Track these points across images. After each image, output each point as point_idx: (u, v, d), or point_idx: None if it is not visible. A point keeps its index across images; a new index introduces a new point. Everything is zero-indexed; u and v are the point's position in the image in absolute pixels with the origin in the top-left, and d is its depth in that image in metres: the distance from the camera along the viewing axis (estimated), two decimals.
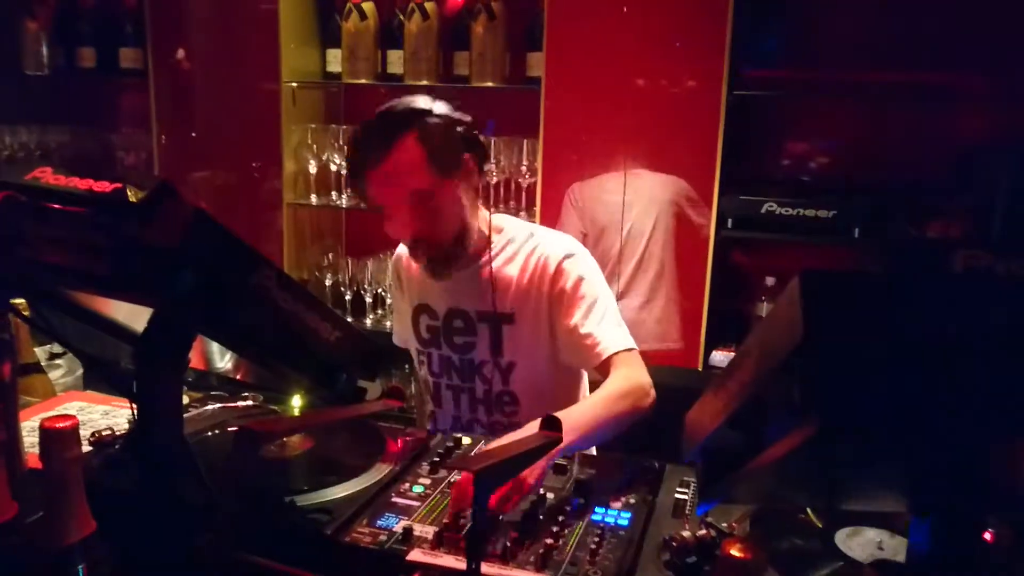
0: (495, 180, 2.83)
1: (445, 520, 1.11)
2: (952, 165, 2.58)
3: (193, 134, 3.23)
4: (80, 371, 1.77)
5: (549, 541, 1.06)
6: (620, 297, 2.64)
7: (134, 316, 1.11)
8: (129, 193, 0.92)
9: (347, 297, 3.08)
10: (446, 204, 1.55)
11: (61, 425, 0.85)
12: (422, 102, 1.54)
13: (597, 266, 1.69)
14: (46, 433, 0.85)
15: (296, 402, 1.51)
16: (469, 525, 1.06)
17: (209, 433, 1.41)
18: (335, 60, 3.05)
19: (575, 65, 2.64)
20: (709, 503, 1.06)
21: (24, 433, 1.28)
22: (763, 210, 2.54)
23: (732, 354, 2.60)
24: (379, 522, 1.11)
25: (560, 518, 1.12)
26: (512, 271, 1.67)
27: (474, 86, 2.85)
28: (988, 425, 0.68)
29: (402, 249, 1.80)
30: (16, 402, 1.24)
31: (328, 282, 3.09)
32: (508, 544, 1.04)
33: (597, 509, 1.17)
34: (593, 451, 1.58)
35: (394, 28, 2.96)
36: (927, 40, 2.52)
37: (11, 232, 0.99)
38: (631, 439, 1.47)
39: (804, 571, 1.04)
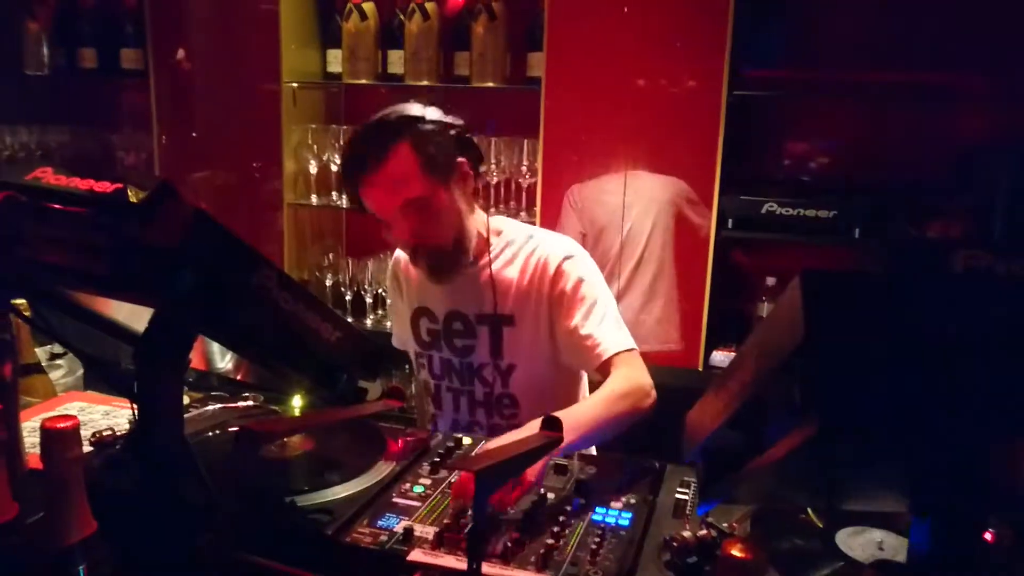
0: (495, 180, 2.83)
1: (446, 520, 1.11)
2: (952, 165, 2.58)
3: (193, 134, 3.23)
4: (81, 371, 1.77)
5: (550, 541, 1.06)
6: (619, 298, 2.64)
7: (135, 316, 1.11)
8: (130, 193, 0.92)
9: (347, 297, 3.08)
10: (444, 209, 1.55)
11: (62, 425, 0.85)
12: (414, 109, 1.54)
13: (596, 267, 1.69)
14: (47, 433, 0.85)
15: (297, 402, 1.51)
16: (470, 525, 1.06)
17: (210, 433, 1.41)
18: (335, 60, 3.05)
19: (575, 65, 2.64)
20: (710, 503, 1.06)
21: (25, 433, 1.29)
22: (763, 210, 2.55)
23: (732, 354, 2.61)
24: (380, 522, 1.11)
25: (561, 518, 1.12)
26: (512, 273, 1.67)
27: (474, 86, 2.86)
28: (988, 425, 0.68)
29: (400, 252, 1.80)
30: (17, 402, 1.24)
31: (328, 282, 3.09)
32: (509, 544, 1.04)
33: (598, 509, 1.17)
34: (593, 451, 1.58)
35: (394, 28, 2.96)
36: (927, 40, 2.52)
37: (12, 232, 0.99)
38: (632, 439, 1.47)
39: (805, 571, 1.04)
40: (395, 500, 1.18)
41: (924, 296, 0.69)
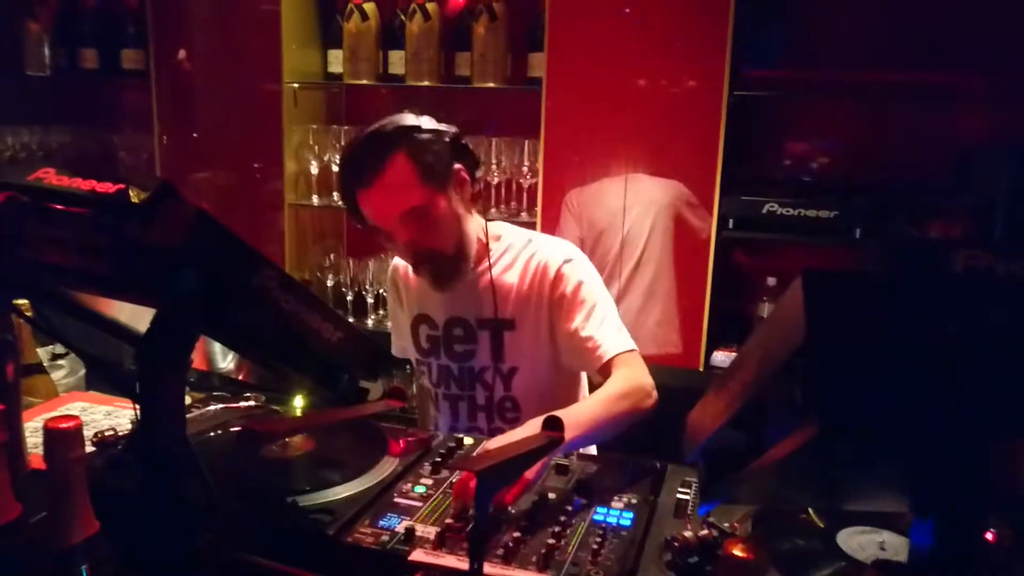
0: (496, 181, 2.83)
1: (447, 520, 1.11)
2: (952, 165, 2.58)
3: (195, 135, 3.24)
4: (82, 372, 1.77)
5: (551, 541, 1.06)
6: (618, 300, 2.64)
7: (136, 317, 1.11)
8: (131, 194, 0.92)
9: (348, 298, 3.08)
10: (443, 216, 1.56)
11: (64, 426, 0.85)
12: (408, 119, 1.54)
13: (595, 270, 1.70)
14: (49, 433, 0.85)
15: (298, 403, 1.52)
16: (471, 525, 1.06)
17: (211, 433, 1.41)
18: (336, 61, 3.06)
19: (576, 66, 2.64)
20: (711, 503, 1.06)
21: (27, 433, 1.29)
22: (764, 210, 2.55)
23: (733, 354, 2.60)
24: (381, 522, 1.11)
25: (562, 518, 1.12)
26: (512, 278, 1.68)
27: (475, 87, 2.86)
28: (989, 425, 0.68)
29: (399, 260, 1.81)
30: (19, 403, 1.24)
31: (330, 283, 3.10)
32: (510, 544, 1.04)
33: (599, 509, 1.17)
34: (594, 451, 1.58)
35: (395, 29, 2.96)
36: (927, 40, 2.53)
37: (14, 233, 0.99)
38: (632, 439, 1.47)
39: (806, 571, 1.04)
40: (397, 500, 1.18)
41: (924, 296, 0.69)
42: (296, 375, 1.21)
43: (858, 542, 1.07)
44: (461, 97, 2.95)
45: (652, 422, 1.48)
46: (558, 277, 1.64)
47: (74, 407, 1.57)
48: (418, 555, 1.03)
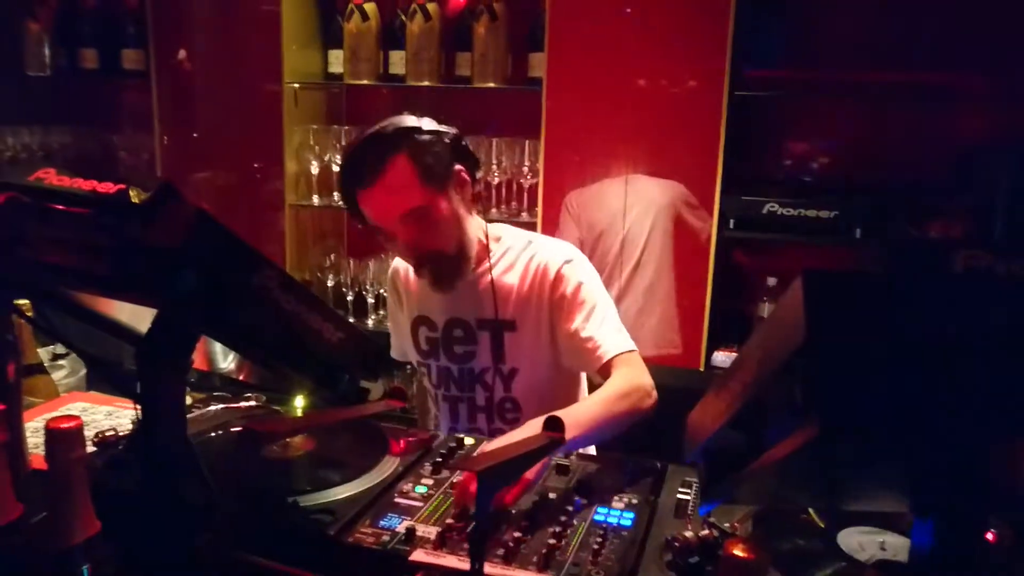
0: (496, 181, 2.83)
1: (448, 520, 1.11)
2: (952, 165, 2.58)
3: (195, 135, 3.24)
4: (83, 372, 1.77)
5: (552, 541, 1.06)
6: (618, 301, 2.64)
7: (137, 317, 1.11)
8: (132, 194, 0.92)
9: (349, 298, 3.08)
10: (444, 217, 1.56)
11: (65, 426, 0.86)
12: (408, 120, 1.55)
13: (595, 271, 1.70)
14: (50, 434, 0.85)
15: (299, 403, 1.52)
16: (472, 525, 1.06)
17: (212, 434, 1.41)
18: (337, 61, 3.06)
19: (576, 66, 2.65)
20: (711, 503, 1.06)
21: (28, 434, 1.29)
22: (764, 210, 2.55)
23: (734, 354, 2.61)
24: (382, 522, 1.11)
25: (562, 518, 1.12)
26: (512, 279, 1.68)
27: (476, 87, 2.86)
28: (988, 425, 0.68)
29: (398, 262, 1.81)
30: (20, 403, 1.24)
31: (330, 283, 3.10)
32: (511, 544, 1.04)
33: (599, 509, 1.17)
34: (594, 451, 1.58)
35: (396, 29, 2.96)
36: (927, 40, 2.53)
37: (14, 233, 0.99)
38: (633, 439, 1.47)
39: (807, 571, 1.04)
40: (397, 500, 1.18)
41: (924, 296, 0.69)
42: (296, 375, 1.21)
43: (858, 542, 1.07)
44: (461, 97, 2.95)
45: (652, 422, 1.49)
46: (558, 278, 1.64)
47: (75, 407, 1.58)
48: (419, 555, 1.03)
